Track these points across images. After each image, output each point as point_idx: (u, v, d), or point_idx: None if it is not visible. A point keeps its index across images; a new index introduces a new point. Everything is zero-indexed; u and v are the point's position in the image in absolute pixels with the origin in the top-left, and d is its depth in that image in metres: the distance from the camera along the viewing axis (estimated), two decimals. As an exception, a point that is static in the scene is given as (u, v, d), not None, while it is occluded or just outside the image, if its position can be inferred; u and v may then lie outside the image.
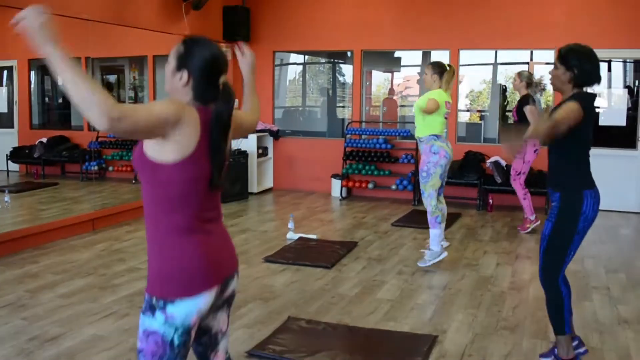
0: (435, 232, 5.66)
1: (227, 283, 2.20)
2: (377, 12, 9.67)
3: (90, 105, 1.73)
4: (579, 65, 3.40)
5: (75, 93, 1.73)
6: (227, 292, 2.23)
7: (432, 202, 5.60)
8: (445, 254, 5.75)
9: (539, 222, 7.37)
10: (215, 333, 2.30)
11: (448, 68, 5.67)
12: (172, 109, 1.97)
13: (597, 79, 3.49)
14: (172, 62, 2.12)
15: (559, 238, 3.47)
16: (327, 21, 9.89)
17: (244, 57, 2.59)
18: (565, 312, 3.54)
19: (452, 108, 9.31)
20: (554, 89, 3.72)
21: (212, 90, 2.12)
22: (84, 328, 4.23)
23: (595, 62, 3.46)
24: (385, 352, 3.94)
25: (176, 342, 2.07)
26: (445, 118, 5.64)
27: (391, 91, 11.90)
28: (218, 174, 2.12)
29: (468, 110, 13.62)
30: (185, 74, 2.09)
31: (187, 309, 2.06)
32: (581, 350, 3.70)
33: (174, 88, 2.14)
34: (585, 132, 3.46)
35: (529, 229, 7.37)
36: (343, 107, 11.46)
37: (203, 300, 2.09)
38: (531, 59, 9.56)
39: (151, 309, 2.07)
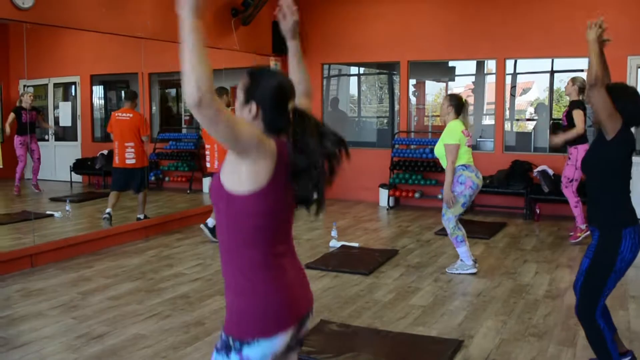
0: (462, 250, 5.91)
1: (303, 322, 2.14)
2: (422, 24, 9.78)
3: (192, 74, 1.75)
4: (623, 106, 3.31)
5: (187, 60, 1.75)
6: (303, 331, 2.17)
7: (450, 225, 5.85)
8: (475, 270, 5.93)
9: (589, 232, 7.22)
10: None
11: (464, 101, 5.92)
12: (255, 129, 2.00)
13: None
14: (240, 96, 2.12)
15: (595, 277, 3.41)
16: (374, 33, 10.05)
17: (285, 20, 2.40)
18: (609, 345, 3.45)
19: (500, 118, 9.37)
20: (596, 127, 3.58)
21: (282, 119, 2.10)
22: (128, 327, 4.52)
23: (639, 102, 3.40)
24: (409, 354, 4.06)
25: None
26: (468, 146, 5.80)
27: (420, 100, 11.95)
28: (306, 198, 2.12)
29: (530, 119, 13.51)
30: (253, 106, 2.07)
31: (262, 351, 2.00)
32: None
33: None
34: (625, 164, 3.40)
35: (580, 238, 7.19)
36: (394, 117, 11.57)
37: (279, 342, 2.03)
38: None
39: (226, 348, 2.02)
